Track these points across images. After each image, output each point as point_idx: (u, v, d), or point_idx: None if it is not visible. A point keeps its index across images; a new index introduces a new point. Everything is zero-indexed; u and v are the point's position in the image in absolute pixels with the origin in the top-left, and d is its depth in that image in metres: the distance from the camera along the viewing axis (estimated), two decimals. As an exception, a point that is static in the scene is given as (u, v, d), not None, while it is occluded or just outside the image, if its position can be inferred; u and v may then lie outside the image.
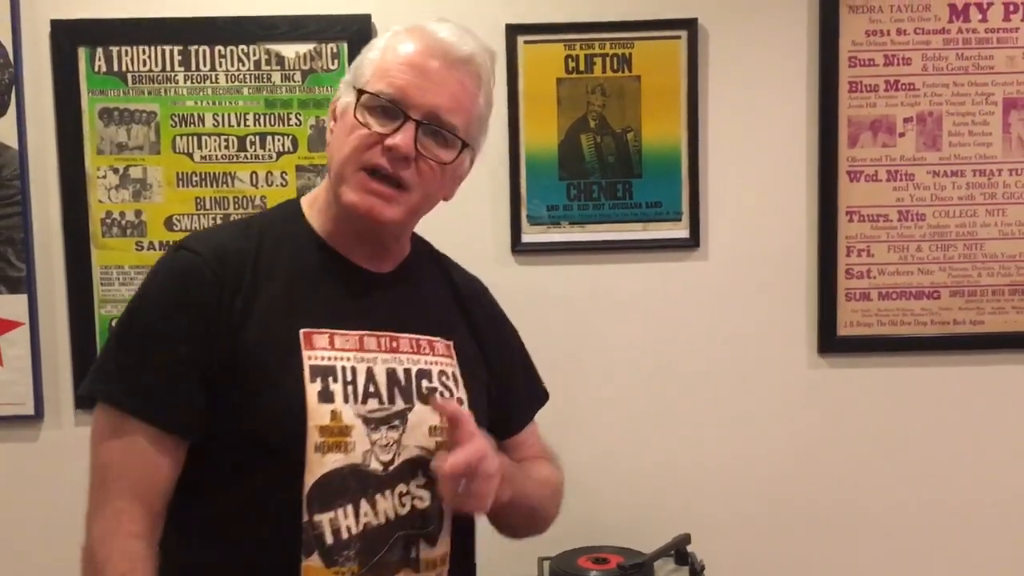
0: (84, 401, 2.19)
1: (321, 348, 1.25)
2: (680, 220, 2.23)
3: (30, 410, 2.18)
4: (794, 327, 2.25)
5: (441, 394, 1.31)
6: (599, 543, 2.06)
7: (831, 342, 2.24)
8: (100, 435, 1.26)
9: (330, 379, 1.24)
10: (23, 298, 2.16)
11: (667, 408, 2.26)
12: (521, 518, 1.43)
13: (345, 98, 1.29)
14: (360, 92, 1.26)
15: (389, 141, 1.23)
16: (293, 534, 1.21)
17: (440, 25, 1.29)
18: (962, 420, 2.26)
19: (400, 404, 1.28)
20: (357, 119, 1.25)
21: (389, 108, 1.24)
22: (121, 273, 2.19)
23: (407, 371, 1.30)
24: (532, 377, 1.57)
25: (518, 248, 2.21)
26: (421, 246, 1.46)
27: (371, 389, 1.27)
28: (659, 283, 2.24)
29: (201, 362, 1.22)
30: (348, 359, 1.27)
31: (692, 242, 2.23)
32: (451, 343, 1.38)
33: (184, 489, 1.26)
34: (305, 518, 1.21)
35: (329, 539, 1.22)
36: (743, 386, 2.25)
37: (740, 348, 2.25)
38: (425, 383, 1.31)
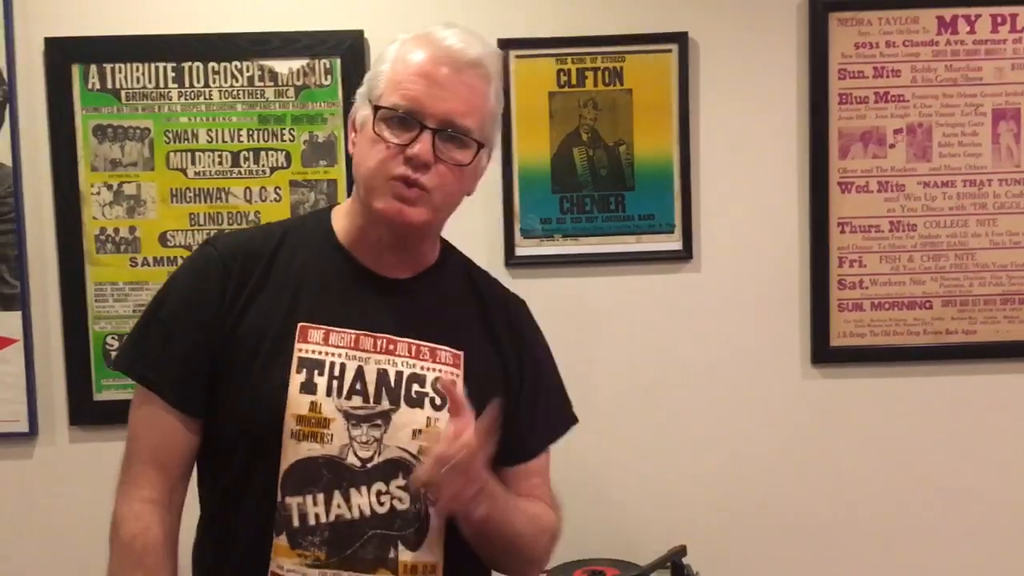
0: (78, 417, 2.19)
1: (314, 343, 1.31)
2: (673, 232, 2.24)
3: (24, 427, 2.18)
4: (787, 338, 2.26)
5: (432, 400, 1.33)
6: (595, 555, 2.05)
7: (824, 352, 2.25)
8: (133, 404, 1.36)
9: (316, 372, 1.30)
10: (17, 315, 2.16)
11: (661, 420, 2.26)
12: (498, 544, 1.38)
13: (362, 111, 1.34)
14: (376, 108, 1.30)
15: (409, 151, 1.28)
16: (269, 513, 1.28)
17: (446, 31, 1.33)
18: (955, 429, 2.27)
19: (386, 404, 1.31)
20: (377, 133, 1.30)
21: (405, 119, 1.29)
22: (115, 289, 2.19)
23: (399, 373, 1.33)
24: (555, 404, 1.52)
25: (512, 261, 2.22)
26: (453, 258, 1.48)
27: (358, 387, 1.31)
28: (652, 295, 2.24)
29: (205, 346, 1.32)
30: (339, 355, 1.32)
31: (685, 254, 2.23)
32: (461, 353, 1.38)
33: (200, 466, 1.38)
34: (279, 499, 1.28)
35: (296, 522, 1.28)
36: (737, 397, 2.26)
37: (733, 359, 2.25)
38: (416, 387, 1.33)
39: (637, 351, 2.25)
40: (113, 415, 2.17)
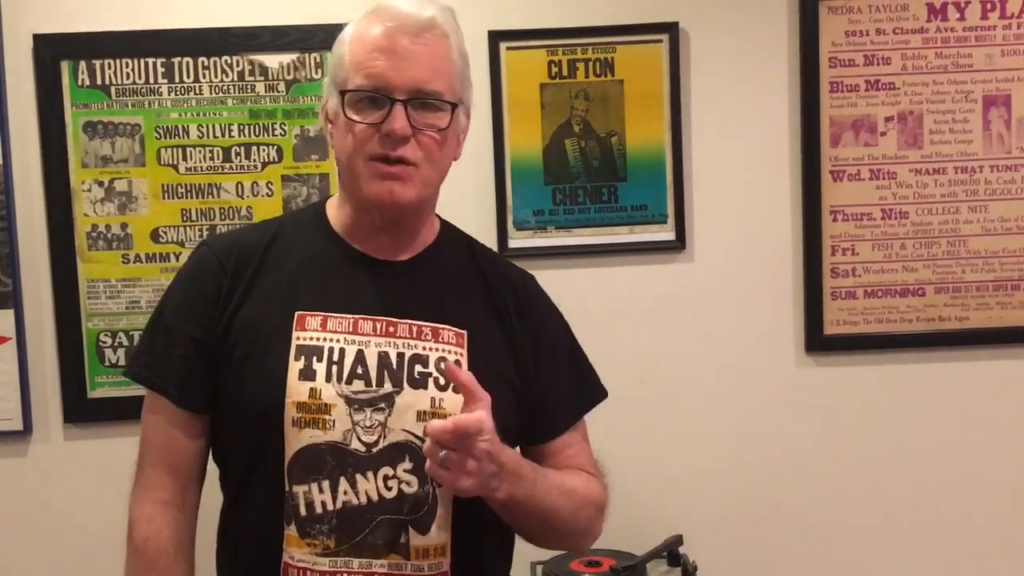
0: (72, 415, 2.19)
1: (312, 330, 1.31)
2: (666, 223, 2.24)
3: (18, 425, 2.16)
4: (781, 326, 2.27)
5: (436, 380, 1.31)
6: (591, 546, 2.05)
7: (818, 341, 2.25)
8: (144, 409, 1.38)
9: (314, 358, 1.29)
10: (10, 313, 2.15)
11: (656, 410, 2.26)
12: (533, 522, 1.36)
13: (332, 100, 1.33)
14: (343, 93, 1.30)
15: (385, 128, 1.27)
16: (279, 503, 1.27)
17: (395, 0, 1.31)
18: (949, 415, 2.28)
19: (388, 387, 1.29)
20: (349, 118, 1.29)
21: (375, 98, 1.28)
22: (108, 286, 2.18)
23: (400, 355, 1.31)
24: (580, 376, 1.49)
25: (505, 253, 2.21)
26: (452, 236, 1.46)
27: (358, 371, 1.29)
28: (646, 286, 2.25)
29: (205, 342, 1.32)
30: (338, 340, 1.30)
31: (678, 244, 2.24)
32: (464, 332, 1.36)
33: (216, 461, 1.39)
34: (286, 488, 1.27)
35: (303, 511, 1.27)
36: (731, 386, 2.26)
37: (728, 349, 2.26)
38: (419, 368, 1.31)
39: (631, 342, 2.25)
40: (107, 412, 2.18)
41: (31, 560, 2.21)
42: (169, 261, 2.18)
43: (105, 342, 2.18)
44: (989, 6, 2.22)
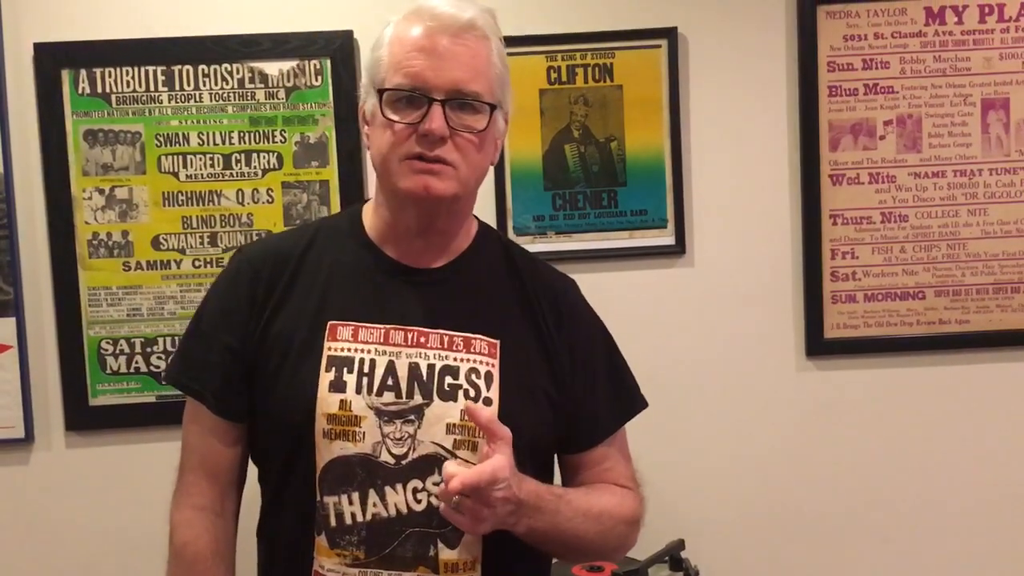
0: (74, 423, 2.19)
1: (344, 340, 1.30)
2: (666, 227, 2.24)
3: (20, 433, 2.17)
4: (781, 330, 2.27)
5: (466, 392, 1.29)
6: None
7: (818, 344, 2.25)
8: (184, 416, 1.39)
9: (345, 369, 1.29)
10: (11, 321, 2.16)
11: (657, 414, 2.25)
12: (556, 547, 1.36)
13: (370, 101, 1.33)
14: (381, 92, 1.29)
15: (422, 128, 1.26)
16: (310, 513, 1.28)
17: (435, 1, 1.30)
18: (950, 418, 2.28)
19: (418, 399, 1.28)
20: (387, 117, 1.28)
21: (413, 97, 1.27)
22: (109, 294, 2.19)
23: (431, 366, 1.30)
24: (618, 386, 1.47)
25: (505, 259, 2.22)
26: (488, 241, 1.45)
27: (389, 382, 1.29)
28: (646, 290, 2.25)
29: (240, 352, 1.33)
30: (369, 351, 1.30)
31: (678, 249, 2.24)
32: (497, 342, 1.33)
33: (256, 465, 1.40)
34: (318, 498, 1.27)
35: (333, 521, 1.27)
36: (732, 390, 2.26)
37: (728, 353, 2.26)
38: (449, 380, 1.30)
39: (632, 347, 2.22)
40: (109, 420, 2.19)
41: (32, 568, 2.21)
42: (170, 268, 2.18)
43: (106, 350, 2.18)
44: (987, 10, 2.22)
